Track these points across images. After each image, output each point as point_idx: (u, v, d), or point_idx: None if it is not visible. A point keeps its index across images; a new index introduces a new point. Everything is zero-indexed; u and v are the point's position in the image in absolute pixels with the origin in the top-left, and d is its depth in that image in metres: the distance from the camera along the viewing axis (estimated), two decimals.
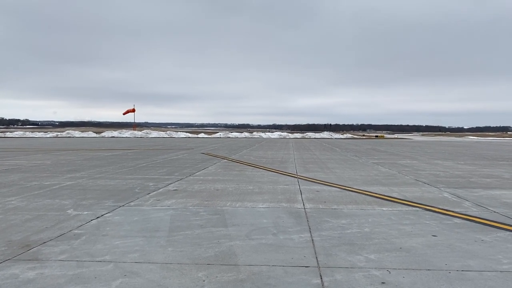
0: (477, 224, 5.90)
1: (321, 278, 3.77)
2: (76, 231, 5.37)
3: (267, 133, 78.37)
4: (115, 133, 66.78)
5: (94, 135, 64.03)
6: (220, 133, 75.24)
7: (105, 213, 6.48)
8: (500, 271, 3.97)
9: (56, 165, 14.46)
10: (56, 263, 4.14)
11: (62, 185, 9.52)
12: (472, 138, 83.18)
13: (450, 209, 6.93)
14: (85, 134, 64.75)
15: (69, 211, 6.61)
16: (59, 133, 68.22)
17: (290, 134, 79.49)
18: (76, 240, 4.95)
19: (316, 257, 4.34)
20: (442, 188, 9.40)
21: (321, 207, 7.06)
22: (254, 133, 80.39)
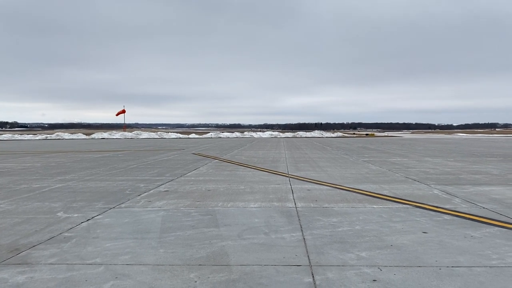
0: (467, 220, 5.96)
1: (313, 276, 3.78)
2: (66, 234, 5.33)
3: (258, 133, 78.34)
4: (105, 134, 66.30)
5: (84, 136, 63.49)
6: (211, 133, 75.08)
7: (95, 215, 6.43)
8: (490, 267, 4.01)
9: (45, 168, 14.33)
10: (46, 266, 4.10)
11: (52, 187, 9.43)
12: (461, 135, 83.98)
13: (440, 206, 6.99)
14: (75, 136, 64.18)
15: (59, 213, 6.55)
16: (48, 135, 67.59)
17: (281, 134, 79.56)
18: (66, 243, 4.91)
19: (308, 256, 4.35)
20: (432, 185, 9.47)
21: (312, 205, 7.08)
22: (246, 132, 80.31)
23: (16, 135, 66.72)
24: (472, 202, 7.39)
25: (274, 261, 4.21)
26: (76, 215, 6.45)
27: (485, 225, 5.68)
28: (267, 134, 75.66)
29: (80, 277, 3.82)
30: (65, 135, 65.58)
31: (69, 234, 5.29)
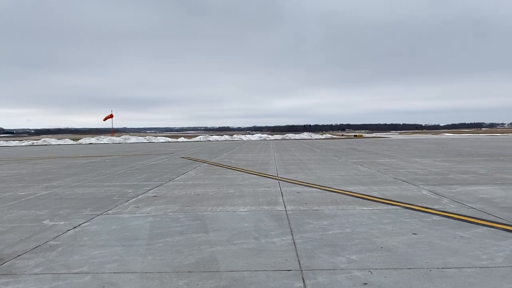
0: (456, 220, 5.99)
1: (303, 281, 3.75)
2: (52, 242, 5.22)
3: (247, 136, 78.34)
4: (92, 139, 65.64)
5: (71, 142, 62.80)
6: (200, 136, 74.81)
7: (82, 222, 6.32)
8: (480, 267, 4.02)
9: (31, 174, 14.11)
10: (31, 277, 4.00)
11: (38, 194, 9.27)
12: (448, 135, 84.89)
13: (429, 207, 7.01)
14: (62, 142, 63.45)
15: (45, 221, 6.43)
16: (35, 141, 66.67)
17: (270, 136, 79.61)
18: (52, 251, 4.81)
19: (298, 260, 4.31)
20: (420, 186, 9.52)
21: (302, 208, 7.05)
22: (235, 135, 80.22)
23: (1, 142, 65.76)
24: (461, 202, 7.43)
25: (265, 266, 4.17)
26: (63, 222, 6.34)
27: (474, 225, 5.70)
28: (256, 136, 75.65)
29: (66, 287, 3.73)
30: (52, 140, 64.81)
31: (55, 243, 5.19)
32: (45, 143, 60.54)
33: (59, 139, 70.71)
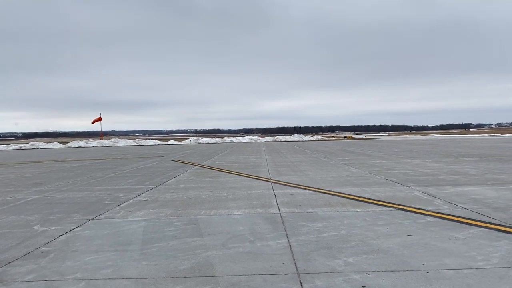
0: (450, 221, 6.01)
1: (301, 285, 3.71)
2: (44, 248, 5.13)
3: (238, 138, 78.17)
4: (81, 143, 65.03)
5: (60, 145, 62.10)
6: (190, 139, 74.50)
7: (74, 227, 6.23)
8: (476, 268, 4.02)
9: (20, 179, 13.90)
10: (22, 284, 3.91)
11: (27, 199, 9.13)
12: (437, 135, 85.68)
13: (423, 208, 7.03)
14: (50, 145, 62.74)
15: (35, 227, 6.32)
16: (22, 145, 65.85)
17: (261, 138, 79.58)
18: (44, 258, 4.71)
19: (295, 263, 4.28)
20: (412, 187, 9.56)
21: (296, 211, 7.03)
22: (225, 138, 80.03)
23: None
24: (453, 203, 7.46)
25: (261, 270, 4.13)
26: (54, 228, 6.23)
27: (468, 226, 5.72)
28: (247, 138, 75.59)
29: None
30: (40, 144, 64.08)
31: (47, 249, 5.09)
32: (33, 147, 59.83)
33: (47, 142, 69.96)
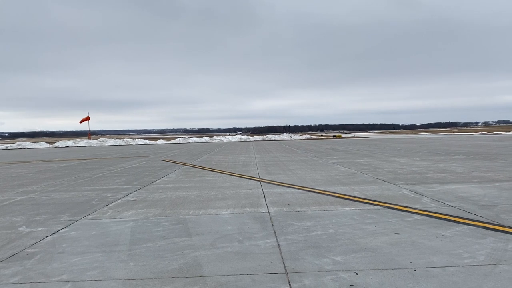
0: (437, 219, 6.06)
1: (289, 284, 3.71)
2: (29, 250, 5.05)
3: (227, 137, 78.09)
4: (69, 142, 64.36)
5: (47, 145, 61.38)
6: (179, 138, 74.19)
7: (60, 228, 6.15)
8: (462, 266, 4.06)
9: (5, 179, 13.70)
10: (7, 286, 3.85)
11: (13, 200, 9.00)
12: (424, 134, 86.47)
13: (410, 206, 7.08)
14: (37, 145, 61.97)
15: (21, 228, 6.23)
16: (9, 144, 64.94)
17: (250, 137, 79.61)
18: (29, 259, 4.65)
19: (284, 263, 4.28)
20: (400, 185, 9.63)
21: (285, 210, 7.03)
22: (215, 137, 79.82)
23: None
24: (441, 201, 7.53)
25: (250, 270, 4.12)
26: (40, 229, 6.15)
27: (454, 223, 5.78)
28: (237, 138, 75.54)
29: None
30: (27, 144, 63.26)
31: (33, 250, 5.02)
32: (19, 147, 59.04)
33: (34, 142, 69.09)
